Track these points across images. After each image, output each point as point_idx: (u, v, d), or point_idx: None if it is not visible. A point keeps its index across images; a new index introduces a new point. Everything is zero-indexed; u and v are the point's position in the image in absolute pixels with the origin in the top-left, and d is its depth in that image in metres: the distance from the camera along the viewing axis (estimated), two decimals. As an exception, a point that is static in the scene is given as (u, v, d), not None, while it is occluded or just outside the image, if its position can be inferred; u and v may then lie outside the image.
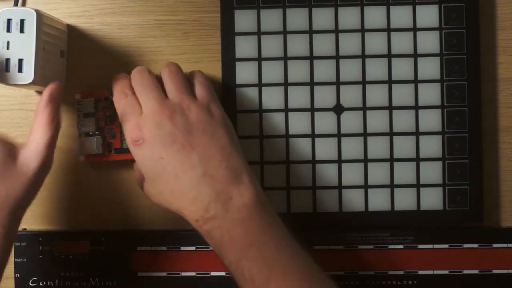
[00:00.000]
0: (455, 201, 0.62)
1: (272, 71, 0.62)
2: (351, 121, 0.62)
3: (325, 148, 0.62)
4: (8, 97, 0.64)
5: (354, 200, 0.62)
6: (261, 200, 0.54)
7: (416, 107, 0.62)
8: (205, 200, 0.53)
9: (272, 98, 0.62)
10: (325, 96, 0.62)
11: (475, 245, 0.61)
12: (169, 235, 0.62)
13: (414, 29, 0.62)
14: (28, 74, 0.55)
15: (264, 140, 0.62)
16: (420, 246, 0.61)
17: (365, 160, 0.62)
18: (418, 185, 0.62)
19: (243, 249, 0.52)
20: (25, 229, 0.64)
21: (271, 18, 0.62)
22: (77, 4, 0.64)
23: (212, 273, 0.61)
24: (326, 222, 0.62)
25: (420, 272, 0.61)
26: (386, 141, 0.62)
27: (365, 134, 0.62)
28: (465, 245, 0.61)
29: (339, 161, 0.62)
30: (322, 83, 0.62)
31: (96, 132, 0.62)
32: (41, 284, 0.62)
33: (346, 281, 0.61)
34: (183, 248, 0.62)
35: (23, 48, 0.55)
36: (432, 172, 0.62)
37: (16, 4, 0.63)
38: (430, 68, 0.62)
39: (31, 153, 0.54)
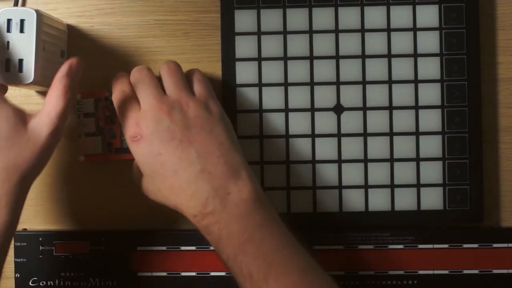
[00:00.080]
0: (455, 201, 0.61)
1: (272, 71, 0.62)
2: (351, 121, 0.62)
3: (325, 148, 0.62)
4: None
5: (354, 200, 0.62)
6: (259, 196, 0.54)
7: (416, 107, 0.62)
8: (203, 195, 0.53)
9: (272, 98, 0.62)
10: (325, 96, 0.62)
11: (475, 245, 0.61)
12: (169, 235, 0.62)
13: (414, 29, 0.62)
14: (28, 74, 0.55)
15: (264, 140, 0.62)
16: (420, 246, 0.61)
17: (365, 160, 0.62)
18: (418, 185, 0.62)
19: (241, 244, 0.52)
20: (25, 229, 0.64)
21: (271, 18, 0.62)
22: (77, 4, 0.64)
23: (212, 273, 0.61)
24: (326, 222, 0.62)
25: (420, 272, 0.61)
26: (386, 141, 0.62)
27: (365, 134, 0.62)
28: (465, 245, 0.61)
29: (339, 161, 0.62)
30: (322, 83, 0.62)
31: (96, 132, 0.62)
32: (41, 284, 0.62)
33: (346, 281, 0.61)
34: (183, 248, 0.62)
35: (23, 48, 0.55)
36: (432, 172, 0.62)
37: (16, 4, 0.63)
38: (430, 68, 0.62)
39: (42, 121, 0.53)
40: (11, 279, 0.62)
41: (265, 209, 0.54)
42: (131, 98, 0.57)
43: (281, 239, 0.53)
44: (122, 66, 0.63)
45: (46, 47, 0.58)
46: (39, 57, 0.56)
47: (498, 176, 0.63)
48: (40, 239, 0.62)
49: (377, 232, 0.61)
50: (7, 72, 0.55)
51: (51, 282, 0.62)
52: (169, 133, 0.54)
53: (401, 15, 0.62)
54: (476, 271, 0.61)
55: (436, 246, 0.61)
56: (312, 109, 0.62)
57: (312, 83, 0.62)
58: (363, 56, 0.62)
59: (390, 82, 0.62)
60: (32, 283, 0.62)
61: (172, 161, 0.54)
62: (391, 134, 0.62)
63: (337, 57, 0.62)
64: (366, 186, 0.62)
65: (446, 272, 0.61)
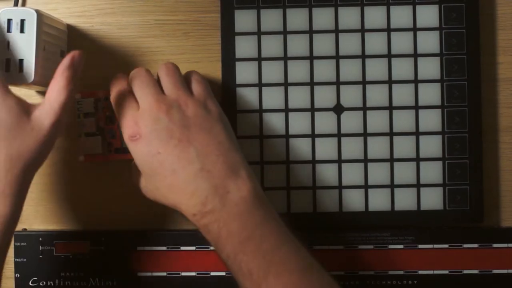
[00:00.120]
0: (455, 201, 0.61)
1: (272, 71, 0.62)
2: (351, 121, 0.62)
3: (325, 148, 0.62)
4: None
5: (354, 200, 0.62)
6: (258, 194, 0.54)
7: (416, 107, 0.62)
8: (203, 194, 0.53)
9: (272, 98, 0.62)
10: (325, 96, 0.62)
11: (475, 245, 0.61)
12: (169, 235, 0.62)
13: (414, 29, 0.62)
14: (29, 74, 0.55)
15: (264, 140, 0.62)
16: (420, 246, 0.61)
17: (365, 160, 0.62)
18: (418, 185, 0.62)
19: (240, 243, 0.52)
20: (25, 229, 0.64)
21: (271, 18, 0.62)
22: (77, 4, 0.64)
23: (212, 273, 0.61)
24: (326, 222, 0.62)
25: (420, 272, 0.61)
26: (386, 141, 0.62)
27: (365, 134, 0.62)
28: (465, 245, 0.61)
29: (339, 161, 0.62)
30: (322, 83, 0.62)
31: (96, 132, 0.62)
32: (41, 284, 0.62)
33: (346, 281, 0.61)
34: (183, 248, 0.62)
35: (24, 48, 0.55)
36: (432, 172, 0.62)
37: (16, 4, 0.63)
38: (430, 68, 0.62)
39: (45, 111, 0.54)
40: (11, 279, 0.62)
41: (264, 208, 0.54)
42: (130, 98, 0.57)
43: (281, 238, 0.53)
44: (122, 66, 0.63)
45: (46, 47, 0.58)
46: (40, 57, 0.56)
47: (498, 176, 0.63)
48: (40, 239, 0.62)
49: (377, 232, 0.61)
50: (7, 72, 0.55)
51: (51, 282, 0.62)
52: (168, 132, 0.54)
53: (401, 15, 0.62)
54: (476, 271, 0.61)
55: (436, 246, 0.61)
56: (312, 109, 0.62)
57: (312, 83, 0.62)
58: (363, 56, 0.62)
59: (390, 82, 0.62)
60: (32, 283, 0.62)
61: (171, 160, 0.54)
62: (391, 134, 0.62)
63: (337, 57, 0.62)
64: (366, 186, 0.62)
65: (446, 272, 0.61)
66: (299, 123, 0.62)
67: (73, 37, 0.64)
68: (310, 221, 0.62)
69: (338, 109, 0.62)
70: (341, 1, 0.62)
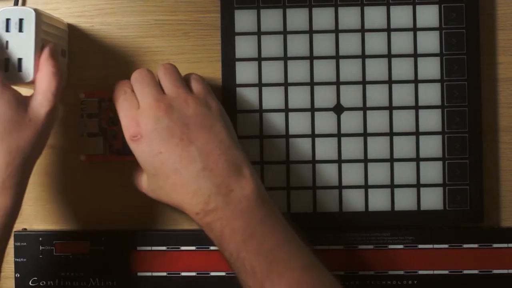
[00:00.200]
0: (455, 201, 0.61)
1: (272, 71, 0.62)
2: (351, 121, 0.62)
3: (325, 148, 0.62)
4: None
5: (354, 200, 0.62)
6: (261, 193, 0.54)
7: (416, 107, 0.62)
8: (205, 193, 0.53)
9: (272, 98, 0.62)
10: (325, 96, 0.62)
11: (475, 245, 0.61)
12: (169, 235, 0.62)
13: (414, 29, 0.62)
14: (27, 73, 0.55)
15: (264, 140, 0.62)
16: (420, 246, 0.61)
17: (365, 160, 0.62)
18: (418, 185, 0.62)
19: (243, 241, 0.52)
20: (25, 229, 0.64)
21: (271, 18, 0.62)
22: (77, 4, 0.64)
23: (212, 273, 0.61)
24: (326, 222, 0.62)
25: (420, 272, 0.61)
26: (386, 141, 0.62)
27: (365, 134, 0.62)
28: (465, 245, 0.61)
29: (339, 161, 0.62)
30: (322, 83, 0.62)
31: (99, 133, 0.62)
32: (41, 284, 0.62)
33: (346, 281, 0.61)
34: (183, 248, 0.62)
35: (22, 48, 0.55)
36: (432, 172, 0.62)
37: (16, 4, 0.63)
38: (430, 68, 0.62)
39: (39, 101, 0.54)
40: (11, 279, 0.62)
41: (267, 206, 0.54)
42: (131, 98, 0.57)
43: (283, 236, 0.53)
44: (122, 66, 0.63)
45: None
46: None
47: (498, 176, 0.63)
48: (40, 239, 0.62)
49: (377, 232, 0.61)
50: (6, 72, 0.55)
51: (51, 282, 0.62)
52: (169, 131, 0.54)
53: (401, 15, 0.62)
54: (476, 271, 0.61)
55: (436, 246, 0.61)
56: (312, 109, 0.62)
57: (312, 83, 0.62)
58: (363, 56, 0.62)
59: (390, 82, 0.62)
60: (32, 283, 0.62)
61: (172, 159, 0.54)
62: (391, 134, 0.62)
63: (337, 57, 0.62)
64: (366, 186, 0.62)
65: (446, 272, 0.61)
66: (299, 123, 0.62)
67: (73, 37, 0.64)
68: (310, 221, 0.62)
69: (338, 109, 0.62)
70: (341, 1, 0.62)
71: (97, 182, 0.64)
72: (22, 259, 0.62)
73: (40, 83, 0.55)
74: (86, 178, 0.64)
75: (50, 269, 0.62)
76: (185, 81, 0.58)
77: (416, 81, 0.62)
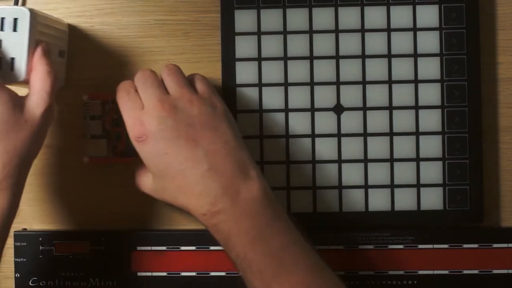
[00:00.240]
0: (455, 201, 0.61)
1: (272, 71, 0.62)
2: (351, 121, 0.62)
3: (325, 148, 0.62)
4: None
5: (354, 200, 0.62)
6: (268, 194, 0.54)
7: (416, 107, 0.62)
8: (212, 194, 0.53)
9: (272, 98, 0.62)
10: (325, 96, 0.62)
11: (475, 245, 0.61)
12: (169, 235, 0.62)
13: (414, 29, 0.62)
14: (19, 72, 0.55)
15: (264, 140, 0.62)
16: (420, 246, 0.61)
17: (365, 160, 0.62)
18: (418, 185, 0.62)
19: (250, 242, 0.52)
20: (25, 229, 0.64)
21: (271, 18, 0.62)
22: (77, 4, 0.64)
23: (212, 273, 0.61)
24: (326, 222, 0.62)
25: (420, 272, 0.61)
26: (386, 141, 0.62)
27: (365, 134, 0.62)
28: (465, 245, 0.61)
29: (339, 161, 0.62)
30: (322, 83, 0.62)
31: (103, 135, 0.61)
32: (41, 284, 0.62)
33: (346, 281, 0.60)
34: (183, 248, 0.62)
35: (16, 47, 0.55)
36: (432, 172, 0.62)
37: (16, 3, 0.63)
38: (430, 68, 0.62)
39: (34, 101, 0.54)
40: (11, 279, 0.62)
41: (273, 207, 0.54)
42: (135, 98, 0.57)
43: (289, 237, 0.53)
44: (122, 66, 0.63)
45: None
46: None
47: (498, 176, 0.63)
48: (40, 239, 0.62)
49: (377, 232, 0.61)
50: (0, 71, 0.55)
51: (51, 282, 0.62)
52: (174, 132, 0.54)
53: (401, 15, 0.62)
54: (476, 271, 0.61)
55: (436, 246, 0.61)
56: (312, 109, 0.62)
57: (312, 83, 0.62)
58: (363, 56, 0.62)
59: (390, 82, 0.62)
60: (32, 283, 0.62)
61: (178, 160, 0.54)
62: (391, 134, 0.62)
63: (337, 57, 0.62)
64: (366, 186, 0.62)
65: (446, 272, 0.61)
66: (299, 123, 0.62)
67: (73, 37, 0.64)
68: (310, 221, 0.62)
69: (338, 109, 0.62)
70: (341, 1, 0.62)
71: (97, 182, 0.64)
72: (22, 259, 0.62)
73: (35, 83, 0.55)
74: (86, 179, 0.64)
75: (50, 269, 0.62)
76: (189, 82, 0.58)
77: (416, 81, 0.62)
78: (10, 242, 0.62)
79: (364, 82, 0.62)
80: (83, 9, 0.64)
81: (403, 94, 0.62)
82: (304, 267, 0.52)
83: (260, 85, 0.62)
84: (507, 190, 0.63)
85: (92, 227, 0.64)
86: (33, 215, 0.64)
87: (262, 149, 0.62)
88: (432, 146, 0.62)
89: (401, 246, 0.61)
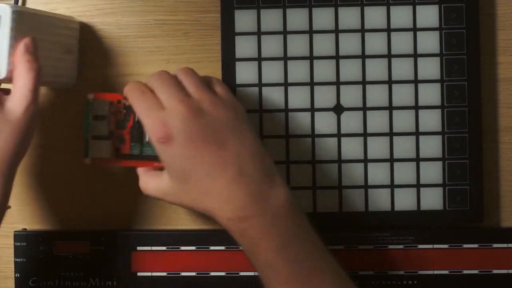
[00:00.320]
0: (455, 201, 0.61)
1: (272, 71, 0.62)
2: (351, 121, 0.62)
3: (325, 148, 0.62)
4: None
5: (354, 200, 0.62)
6: (293, 200, 0.54)
7: (416, 107, 0.62)
8: (241, 199, 0.52)
9: (272, 98, 0.62)
10: (325, 96, 0.62)
11: (475, 245, 0.61)
12: (169, 235, 0.62)
13: (414, 29, 0.62)
14: (1, 70, 0.54)
15: (264, 140, 0.62)
16: (420, 246, 0.61)
17: (365, 160, 0.62)
18: (418, 185, 0.62)
19: (278, 249, 0.51)
20: (25, 229, 0.64)
21: (271, 18, 0.62)
22: (77, 4, 0.64)
23: (212, 273, 0.61)
24: (326, 222, 0.62)
25: (420, 272, 0.61)
26: (386, 141, 0.62)
27: (365, 134, 0.62)
28: (465, 245, 0.61)
29: (339, 161, 0.62)
30: (322, 83, 0.62)
31: (107, 136, 0.58)
32: (41, 284, 0.62)
33: (346, 281, 0.61)
34: (183, 248, 0.62)
35: None
36: (432, 172, 0.62)
37: (16, 3, 0.63)
38: (430, 68, 0.62)
39: (16, 98, 0.53)
40: (11, 279, 0.62)
41: (298, 214, 0.53)
42: (153, 99, 0.54)
43: (314, 244, 0.53)
44: (122, 66, 0.63)
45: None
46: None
47: (498, 176, 0.63)
48: (40, 239, 0.62)
49: (377, 232, 0.61)
50: None
51: (51, 282, 0.62)
52: (201, 134, 0.53)
53: (401, 15, 0.62)
54: (476, 271, 0.61)
55: (436, 246, 0.61)
56: (312, 109, 0.62)
57: (312, 83, 0.62)
58: (363, 56, 0.62)
59: (390, 82, 0.62)
60: (32, 283, 0.62)
61: (205, 163, 0.52)
62: (391, 134, 0.62)
63: (337, 57, 0.62)
64: (366, 186, 0.62)
65: (446, 272, 0.61)
66: (299, 123, 0.62)
67: (73, 37, 0.64)
68: (310, 221, 0.62)
69: (338, 109, 0.62)
70: (341, 1, 0.62)
71: (97, 182, 0.64)
72: (22, 259, 0.62)
73: (17, 80, 0.54)
74: (86, 178, 0.64)
75: (50, 269, 0.62)
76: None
77: (416, 81, 0.62)
78: (10, 242, 0.62)
79: (364, 82, 0.62)
80: (83, 9, 0.64)
81: (403, 94, 0.62)
82: (329, 274, 0.52)
83: (260, 85, 0.62)
84: (507, 190, 0.63)
85: (92, 227, 0.64)
86: (33, 215, 0.64)
87: (262, 149, 0.62)
88: (432, 146, 0.62)
89: (401, 246, 0.61)
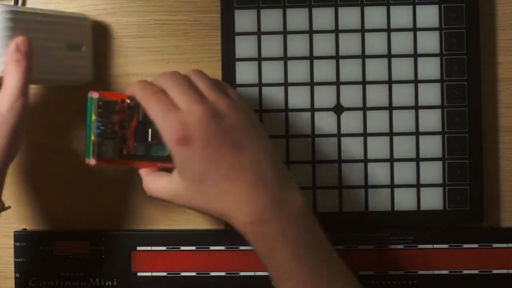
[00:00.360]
0: (455, 201, 0.62)
1: (272, 71, 0.62)
2: (351, 121, 0.62)
3: (325, 148, 0.62)
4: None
5: (354, 200, 0.62)
6: (308, 206, 0.54)
7: (416, 107, 0.62)
8: (260, 202, 0.52)
9: (272, 98, 0.62)
10: (325, 96, 0.62)
11: (475, 245, 0.61)
12: (169, 235, 0.62)
13: (414, 29, 0.62)
14: None
15: (264, 140, 0.62)
16: (420, 246, 0.61)
17: (365, 160, 0.62)
18: (418, 185, 0.62)
19: (295, 254, 0.51)
20: (25, 229, 0.64)
21: (271, 18, 0.62)
22: (77, 4, 0.64)
23: (212, 273, 0.61)
24: (326, 222, 0.62)
25: (420, 272, 0.61)
26: (386, 141, 0.62)
27: (365, 134, 0.62)
28: (465, 245, 0.61)
29: (339, 161, 0.62)
30: (322, 83, 0.62)
31: (112, 136, 0.56)
32: (41, 284, 0.62)
33: (346, 281, 0.61)
34: (183, 248, 0.62)
35: None
36: (432, 172, 0.62)
37: (16, 3, 0.63)
38: (430, 68, 0.62)
39: (2, 96, 0.54)
40: (11, 279, 0.62)
41: (312, 217, 0.53)
42: (166, 99, 0.53)
43: (327, 247, 0.53)
44: (122, 66, 0.63)
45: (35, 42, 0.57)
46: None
47: (498, 176, 0.63)
48: (40, 239, 0.62)
49: (377, 232, 0.61)
50: None
51: (51, 282, 0.62)
52: (221, 136, 0.52)
53: (401, 15, 0.62)
54: (476, 271, 0.61)
55: (436, 246, 0.61)
56: (312, 109, 0.62)
57: (312, 83, 0.62)
58: (363, 56, 0.62)
59: (390, 82, 0.62)
60: (32, 283, 0.62)
61: (224, 166, 0.52)
62: (391, 134, 0.62)
63: (337, 57, 0.62)
64: (366, 186, 0.62)
65: (446, 272, 0.61)
66: (299, 123, 0.62)
67: (73, 37, 0.64)
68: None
69: (338, 109, 0.62)
70: (341, 1, 0.62)
71: (97, 182, 0.64)
72: (22, 259, 0.62)
73: (5, 79, 0.54)
74: (86, 178, 0.64)
75: (50, 269, 0.62)
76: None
77: (416, 81, 0.62)
78: (10, 242, 0.62)
79: (364, 82, 0.62)
80: (83, 9, 0.64)
81: (403, 94, 0.62)
82: (342, 278, 0.52)
83: (260, 85, 0.62)
84: (507, 190, 0.63)
85: (92, 227, 0.64)
86: (33, 215, 0.64)
87: (262, 149, 0.62)
88: (432, 146, 0.62)
89: (401, 246, 0.61)
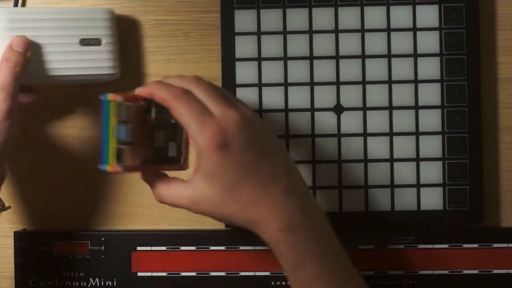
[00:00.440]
0: (455, 201, 0.61)
1: (272, 71, 0.62)
2: (351, 121, 0.62)
3: (325, 148, 0.62)
4: None
5: (354, 200, 0.62)
6: (325, 213, 0.54)
7: (416, 107, 0.62)
8: (293, 210, 0.51)
9: (272, 98, 0.62)
10: (325, 96, 0.62)
11: (475, 245, 0.61)
12: (169, 235, 0.62)
13: (414, 29, 0.62)
14: None
15: (264, 140, 0.62)
16: (420, 246, 0.61)
17: (365, 160, 0.62)
18: (418, 185, 0.62)
19: (324, 261, 0.51)
20: (25, 229, 0.64)
21: (271, 18, 0.62)
22: (77, 4, 0.64)
23: (212, 273, 0.61)
24: (326, 222, 0.62)
25: (420, 272, 0.61)
26: (386, 141, 0.62)
27: (365, 134, 0.62)
28: (465, 245, 0.61)
29: (339, 161, 0.62)
30: (322, 83, 0.62)
31: (133, 141, 0.52)
32: (41, 284, 0.62)
33: (346, 281, 0.61)
34: (183, 248, 0.62)
35: None
36: (432, 172, 0.62)
37: (16, 4, 0.63)
38: (430, 68, 0.62)
39: None
40: (11, 279, 0.62)
41: (329, 225, 0.53)
42: (197, 101, 0.51)
43: (344, 254, 0.53)
44: (122, 66, 0.63)
45: (40, 40, 0.57)
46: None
47: (498, 176, 0.63)
48: (40, 239, 0.62)
49: (377, 232, 0.61)
50: None
51: (51, 282, 0.62)
52: (258, 144, 0.52)
53: (401, 15, 0.62)
54: (476, 271, 0.61)
55: (436, 246, 0.61)
56: (312, 109, 0.62)
57: (312, 83, 0.62)
58: (363, 56, 0.62)
59: (390, 82, 0.62)
60: (32, 283, 0.62)
61: (259, 173, 0.51)
62: (391, 134, 0.62)
63: (337, 57, 0.62)
64: (366, 186, 0.62)
65: (446, 272, 0.61)
66: (299, 123, 0.62)
67: (73, 37, 0.64)
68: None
69: (338, 109, 0.62)
70: (341, 1, 0.62)
71: (97, 182, 0.64)
72: (22, 259, 0.62)
73: None
74: (86, 179, 0.64)
75: (50, 269, 0.62)
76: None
77: (416, 81, 0.62)
78: (10, 242, 0.62)
79: (364, 82, 0.62)
80: (83, 9, 0.64)
81: (403, 94, 0.62)
82: (360, 276, 0.53)
83: (260, 85, 0.62)
84: (507, 190, 0.63)
85: (92, 227, 0.64)
86: (33, 215, 0.64)
87: (262, 149, 0.62)
88: (432, 146, 0.62)
89: (401, 246, 0.61)
